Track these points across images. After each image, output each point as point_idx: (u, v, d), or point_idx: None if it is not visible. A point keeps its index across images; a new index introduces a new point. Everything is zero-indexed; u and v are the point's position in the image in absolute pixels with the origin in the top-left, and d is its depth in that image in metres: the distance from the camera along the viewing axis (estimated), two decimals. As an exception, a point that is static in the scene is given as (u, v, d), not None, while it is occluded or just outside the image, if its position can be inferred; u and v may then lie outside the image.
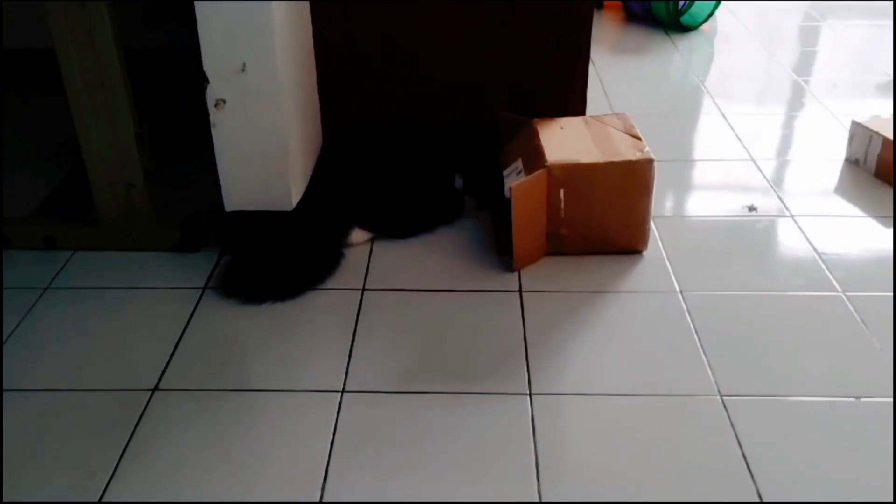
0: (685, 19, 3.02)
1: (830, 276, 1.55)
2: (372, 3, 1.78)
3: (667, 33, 3.03)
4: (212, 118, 1.52)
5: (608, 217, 1.60)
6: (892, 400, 1.25)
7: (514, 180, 1.58)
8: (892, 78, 2.61)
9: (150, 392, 1.28)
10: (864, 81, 2.61)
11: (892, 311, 1.44)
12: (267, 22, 1.45)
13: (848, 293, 1.50)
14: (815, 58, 2.86)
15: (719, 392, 1.27)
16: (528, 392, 1.27)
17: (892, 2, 3.37)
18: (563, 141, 1.65)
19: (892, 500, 1.09)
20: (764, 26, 3.21)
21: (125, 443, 1.18)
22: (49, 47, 1.50)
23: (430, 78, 1.86)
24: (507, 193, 1.57)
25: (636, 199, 1.59)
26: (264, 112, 1.52)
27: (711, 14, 3.08)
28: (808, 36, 3.09)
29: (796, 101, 2.46)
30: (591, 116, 1.79)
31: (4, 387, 1.29)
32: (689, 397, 1.26)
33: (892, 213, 1.78)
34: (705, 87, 2.55)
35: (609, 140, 1.64)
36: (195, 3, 1.43)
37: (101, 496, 1.10)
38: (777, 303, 1.49)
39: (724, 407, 1.24)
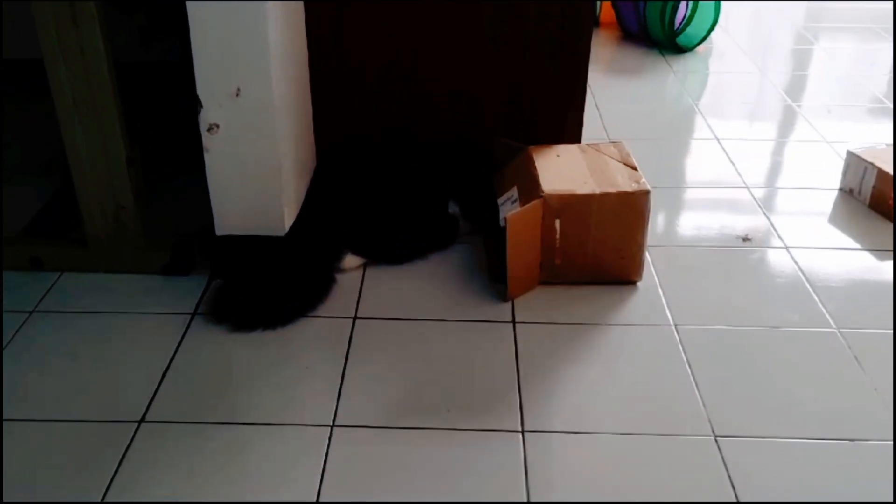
0: (681, 40, 3.02)
1: (825, 311, 1.55)
2: (371, 20, 1.77)
3: (662, 54, 3.03)
4: (204, 142, 1.50)
5: (603, 247, 1.59)
6: (886, 443, 1.24)
7: (509, 209, 1.56)
8: (884, 103, 2.61)
9: (137, 424, 1.26)
10: (856, 106, 2.62)
11: (893, 351, 1.44)
12: (262, 45, 1.43)
13: (842, 329, 1.49)
14: (807, 81, 2.86)
15: (713, 432, 1.26)
16: (520, 429, 1.26)
17: (887, 24, 3.39)
18: (558, 170, 1.64)
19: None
20: (759, 48, 3.21)
21: (110, 478, 1.16)
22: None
23: (427, 93, 1.83)
24: (501, 223, 1.56)
25: (632, 229, 1.58)
26: (258, 137, 1.50)
27: (707, 35, 3.08)
28: (802, 58, 3.10)
29: (790, 125, 2.46)
30: (587, 144, 1.78)
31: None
32: (683, 437, 1.25)
33: (886, 247, 1.77)
34: (700, 109, 2.55)
35: (605, 170, 1.63)
36: (190, 27, 1.40)
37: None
38: (771, 338, 1.48)
39: (718, 447, 1.23)
